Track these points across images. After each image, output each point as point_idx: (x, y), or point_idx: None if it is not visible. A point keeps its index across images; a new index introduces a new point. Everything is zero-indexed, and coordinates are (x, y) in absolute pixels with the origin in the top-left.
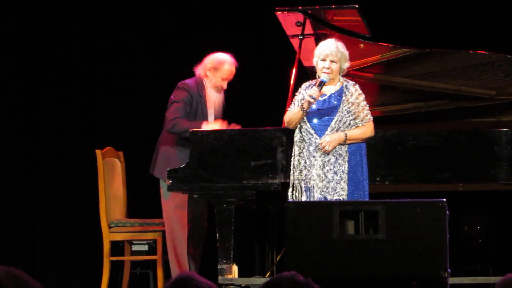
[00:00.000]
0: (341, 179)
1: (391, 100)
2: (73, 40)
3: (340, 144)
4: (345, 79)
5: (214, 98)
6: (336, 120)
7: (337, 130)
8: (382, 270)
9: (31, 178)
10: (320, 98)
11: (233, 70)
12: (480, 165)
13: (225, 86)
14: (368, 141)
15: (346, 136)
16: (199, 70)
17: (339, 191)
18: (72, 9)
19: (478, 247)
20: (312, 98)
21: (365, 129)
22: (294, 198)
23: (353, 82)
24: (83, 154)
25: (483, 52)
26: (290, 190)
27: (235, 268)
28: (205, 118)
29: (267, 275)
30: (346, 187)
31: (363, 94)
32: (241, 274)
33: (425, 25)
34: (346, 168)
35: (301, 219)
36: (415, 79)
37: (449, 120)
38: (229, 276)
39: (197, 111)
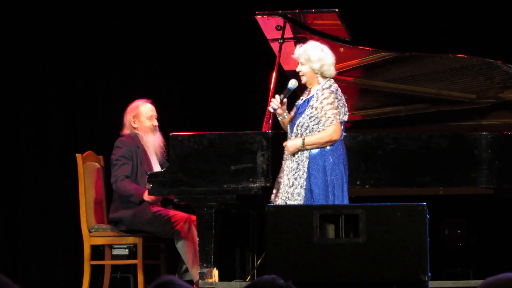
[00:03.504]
0: (299, 184)
1: (371, 103)
2: (52, 45)
3: (300, 150)
4: (327, 82)
5: (153, 141)
6: (297, 125)
7: (300, 135)
8: (362, 274)
9: (11, 182)
10: (300, 101)
11: (150, 106)
12: (460, 169)
13: (155, 123)
14: (348, 144)
15: (303, 142)
16: (126, 129)
17: (296, 197)
18: (52, 14)
19: (459, 250)
20: (272, 108)
21: (324, 133)
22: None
23: (329, 86)
24: (63, 158)
25: (463, 55)
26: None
27: (215, 272)
28: (149, 166)
29: (247, 279)
30: (303, 192)
31: (330, 98)
32: (221, 278)
33: (405, 28)
34: (305, 173)
35: (281, 223)
36: (396, 82)
37: (430, 123)
38: (210, 280)
39: (140, 161)
